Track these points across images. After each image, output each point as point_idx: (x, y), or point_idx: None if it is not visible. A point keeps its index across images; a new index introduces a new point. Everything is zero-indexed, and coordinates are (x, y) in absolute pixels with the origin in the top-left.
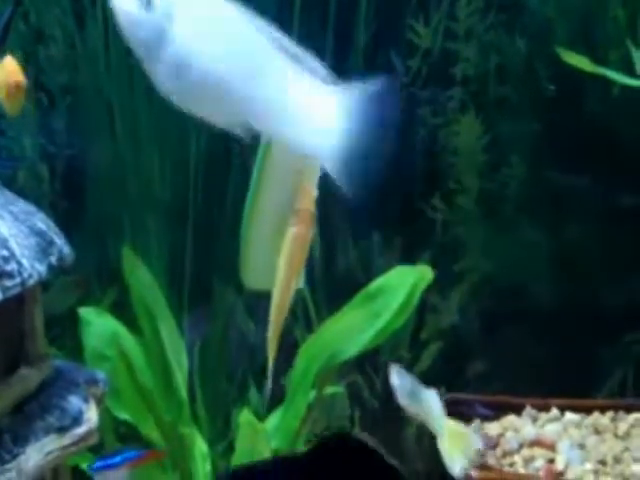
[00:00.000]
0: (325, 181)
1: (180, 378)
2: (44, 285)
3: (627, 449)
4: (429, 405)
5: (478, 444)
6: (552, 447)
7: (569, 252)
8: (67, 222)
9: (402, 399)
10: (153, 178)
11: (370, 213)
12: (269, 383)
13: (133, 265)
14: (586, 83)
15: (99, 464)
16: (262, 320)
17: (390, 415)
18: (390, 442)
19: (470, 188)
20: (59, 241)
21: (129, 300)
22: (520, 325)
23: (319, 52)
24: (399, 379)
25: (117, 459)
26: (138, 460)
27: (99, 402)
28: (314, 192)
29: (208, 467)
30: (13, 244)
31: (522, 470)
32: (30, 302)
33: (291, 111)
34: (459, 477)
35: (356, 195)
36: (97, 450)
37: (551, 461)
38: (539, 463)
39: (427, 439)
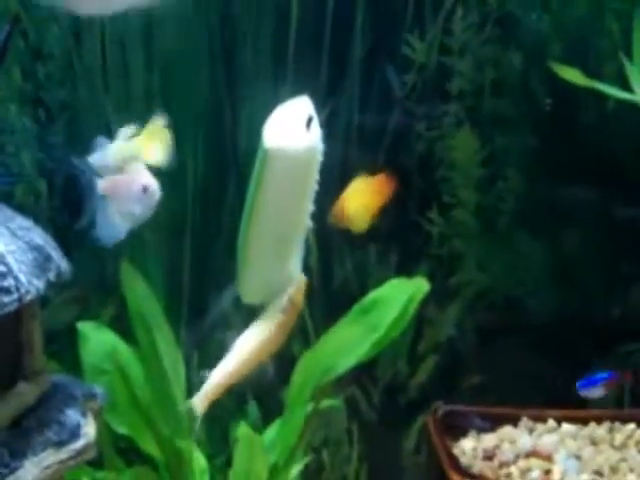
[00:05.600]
0: (321, 194)
1: (178, 392)
2: (43, 301)
3: (623, 459)
4: None
5: None
6: (549, 458)
7: (565, 265)
8: (65, 237)
9: None
10: None
11: None
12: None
13: (131, 279)
14: (581, 97)
15: None
16: None
17: (388, 428)
18: (388, 455)
19: (467, 202)
20: (57, 256)
21: (127, 314)
22: (517, 337)
23: (315, 67)
24: None
25: None
26: None
27: (97, 416)
28: (304, 285)
29: None
30: (10, 260)
31: None
32: (28, 317)
33: None
34: None
35: None
36: (96, 464)
37: (547, 472)
38: (536, 474)
39: (425, 452)
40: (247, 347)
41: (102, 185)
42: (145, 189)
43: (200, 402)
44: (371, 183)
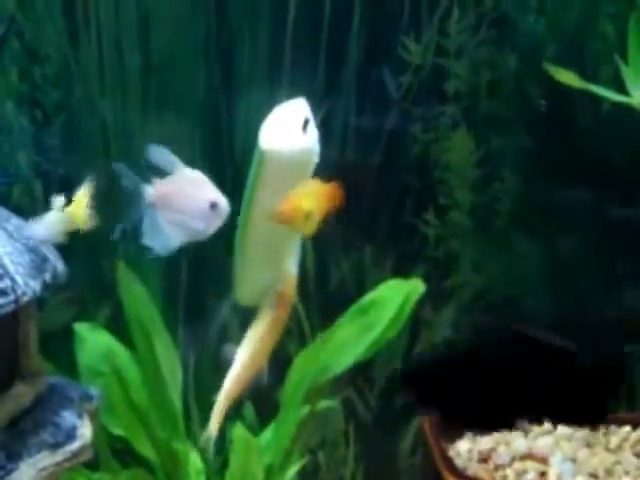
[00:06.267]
0: None
1: (175, 394)
2: (39, 302)
3: (618, 462)
4: None
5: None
6: (544, 460)
7: (561, 266)
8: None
9: None
10: None
11: None
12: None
13: (128, 280)
14: (577, 99)
15: None
16: None
17: (384, 429)
18: (384, 456)
19: (462, 203)
20: (53, 258)
21: (124, 316)
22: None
23: (312, 68)
24: None
25: None
26: None
27: (93, 418)
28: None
29: None
30: (7, 261)
31: None
32: (24, 319)
33: None
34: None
35: None
36: (92, 466)
37: (543, 474)
38: (531, 476)
39: (420, 453)
40: (247, 354)
41: (150, 194)
42: (213, 205)
43: (215, 423)
44: (323, 188)
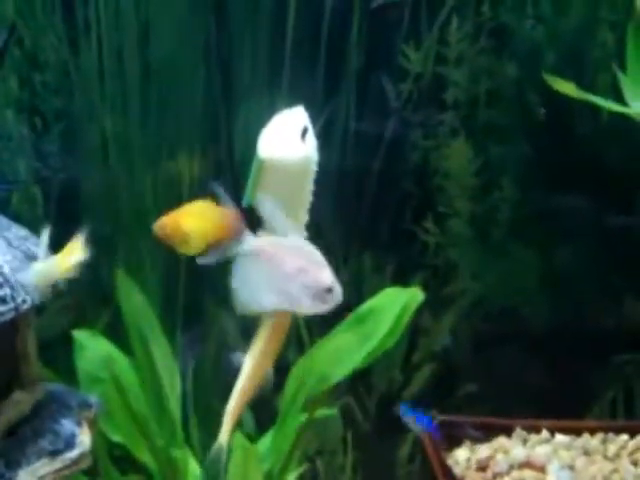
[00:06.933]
0: (317, 205)
1: (173, 401)
2: (38, 309)
3: (616, 471)
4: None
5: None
6: (542, 469)
7: (560, 274)
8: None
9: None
10: (146, 201)
11: None
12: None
13: (126, 288)
14: (575, 107)
15: None
16: None
17: (382, 437)
18: (382, 464)
19: (462, 211)
20: None
21: (123, 323)
22: (512, 347)
23: (312, 76)
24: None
25: None
26: None
27: (92, 425)
28: None
29: None
30: (6, 269)
31: None
32: (23, 326)
33: None
34: None
35: None
36: (91, 473)
37: None
38: None
39: (418, 461)
40: (252, 365)
41: (252, 244)
42: (329, 290)
43: (225, 435)
44: (215, 211)
